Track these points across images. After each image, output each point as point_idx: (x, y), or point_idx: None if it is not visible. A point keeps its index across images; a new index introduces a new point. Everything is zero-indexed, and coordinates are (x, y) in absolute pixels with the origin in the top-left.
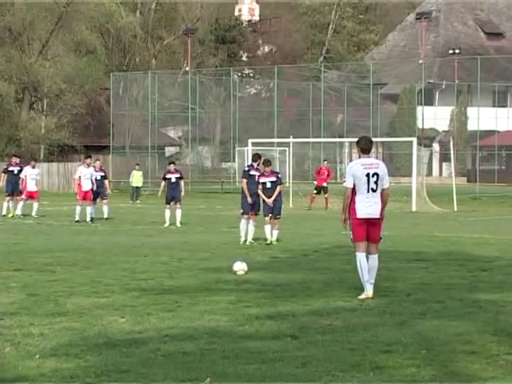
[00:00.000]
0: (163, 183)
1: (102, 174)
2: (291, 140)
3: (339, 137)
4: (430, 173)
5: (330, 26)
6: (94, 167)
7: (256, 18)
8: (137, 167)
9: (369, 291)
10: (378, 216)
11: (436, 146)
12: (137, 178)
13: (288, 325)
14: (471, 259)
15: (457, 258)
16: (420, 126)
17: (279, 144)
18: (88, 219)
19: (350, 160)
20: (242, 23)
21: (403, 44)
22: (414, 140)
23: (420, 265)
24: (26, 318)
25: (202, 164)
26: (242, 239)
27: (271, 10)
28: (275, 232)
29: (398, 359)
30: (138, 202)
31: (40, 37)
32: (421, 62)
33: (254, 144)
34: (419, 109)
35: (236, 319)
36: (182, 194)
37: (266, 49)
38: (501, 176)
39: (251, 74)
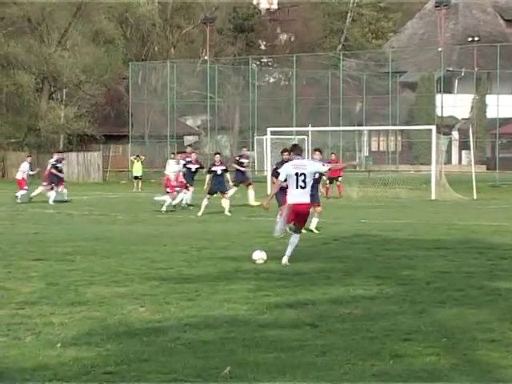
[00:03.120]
0: (209, 176)
1: (198, 166)
2: (310, 129)
3: (358, 125)
4: (449, 161)
5: (348, 14)
6: (190, 159)
7: (274, 6)
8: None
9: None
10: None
11: (455, 134)
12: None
13: (307, 313)
14: (491, 247)
15: (476, 246)
16: (439, 114)
17: (298, 133)
18: (184, 203)
19: (369, 148)
20: (260, 12)
21: (422, 32)
22: (433, 128)
23: (439, 253)
24: (47, 307)
25: (222, 153)
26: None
27: None
28: (315, 220)
29: (417, 348)
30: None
31: (59, 27)
32: (440, 49)
33: (272, 133)
34: (438, 97)
35: (255, 308)
36: (231, 184)
37: (285, 37)
38: None
39: (269, 63)
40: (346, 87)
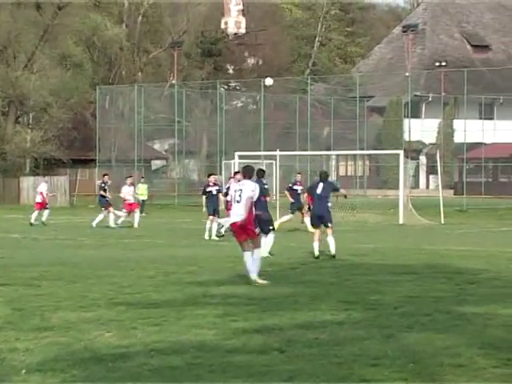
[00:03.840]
0: (204, 197)
1: (217, 188)
2: (278, 153)
3: (326, 149)
4: (416, 185)
5: (317, 39)
6: (209, 182)
7: (242, 30)
8: (142, 180)
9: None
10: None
11: (423, 159)
12: (142, 191)
13: (275, 338)
14: (458, 272)
15: (444, 271)
16: (407, 139)
17: (266, 157)
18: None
19: (337, 173)
20: (228, 36)
21: (390, 56)
22: (401, 152)
23: (407, 278)
24: (12, 332)
25: (189, 177)
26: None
27: (257, 22)
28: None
29: (385, 372)
30: (144, 214)
31: (26, 50)
32: (407, 74)
33: (240, 157)
34: (406, 121)
35: (223, 333)
36: (222, 207)
37: (253, 61)
38: (488, 188)
39: (237, 87)
40: (314, 111)
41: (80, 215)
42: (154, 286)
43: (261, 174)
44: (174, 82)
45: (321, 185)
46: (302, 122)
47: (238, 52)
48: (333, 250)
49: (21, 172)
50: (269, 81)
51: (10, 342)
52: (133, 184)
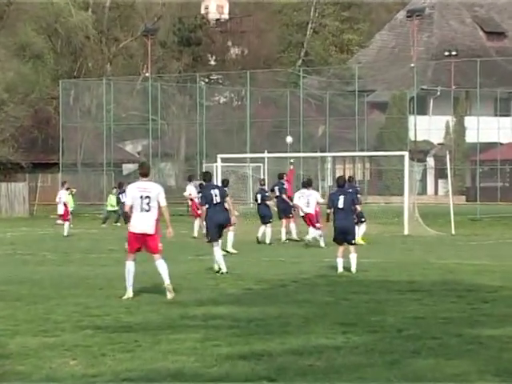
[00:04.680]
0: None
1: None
2: (266, 155)
3: (321, 151)
4: (424, 191)
5: (309, 25)
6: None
7: (225, 16)
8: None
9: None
10: (151, 232)
11: (430, 161)
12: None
13: (263, 366)
14: (471, 289)
15: (455, 289)
16: (412, 139)
17: (253, 160)
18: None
19: (334, 177)
20: (209, 22)
21: (392, 45)
22: (406, 154)
23: (413, 296)
24: None
25: (165, 183)
26: None
27: (242, 7)
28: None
29: None
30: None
31: None
32: (412, 65)
33: (223, 160)
34: (411, 119)
35: (204, 360)
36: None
37: (237, 51)
38: (504, 194)
39: (220, 80)
40: (307, 108)
41: (41, 226)
42: (126, 306)
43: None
44: (147, 74)
45: (342, 195)
46: (294, 120)
47: (221, 41)
48: (354, 269)
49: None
50: (289, 139)
51: None
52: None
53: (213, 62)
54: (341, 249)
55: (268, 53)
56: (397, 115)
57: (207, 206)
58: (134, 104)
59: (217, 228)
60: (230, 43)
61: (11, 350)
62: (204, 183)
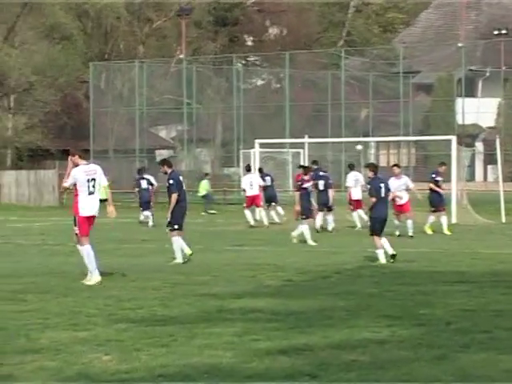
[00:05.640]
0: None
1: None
2: (306, 140)
3: (363, 135)
4: (472, 177)
5: (351, 4)
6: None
7: None
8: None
9: (98, 276)
10: (97, 214)
11: (479, 146)
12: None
13: (304, 361)
14: None
15: (505, 280)
16: (460, 122)
17: (292, 145)
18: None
19: (377, 163)
20: (247, 1)
21: (439, 24)
22: (453, 138)
23: (461, 287)
24: None
25: (201, 170)
26: None
27: None
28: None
29: None
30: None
31: (5, 20)
32: (460, 45)
33: (261, 145)
34: (459, 101)
35: (242, 355)
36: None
37: (275, 31)
38: None
39: (257, 62)
40: (349, 90)
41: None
42: (160, 299)
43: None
44: (181, 56)
45: (382, 183)
46: (335, 103)
47: (258, 20)
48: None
49: (1, 165)
50: (359, 147)
51: None
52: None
53: (250, 43)
54: (381, 239)
55: (308, 33)
56: (443, 98)
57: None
58: (167, 87)
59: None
60: (268, 23)
61: (42, 344)
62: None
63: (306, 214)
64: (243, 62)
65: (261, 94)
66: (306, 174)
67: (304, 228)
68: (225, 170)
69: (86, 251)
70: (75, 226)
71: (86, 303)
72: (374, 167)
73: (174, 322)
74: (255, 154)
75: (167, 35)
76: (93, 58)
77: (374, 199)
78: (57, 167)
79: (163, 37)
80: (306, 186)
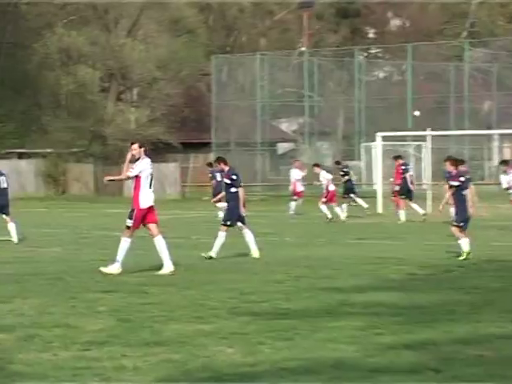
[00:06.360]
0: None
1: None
2: (429, 133)
3: (487, 128)
4: None
5: None
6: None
7: None
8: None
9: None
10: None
11: None
12: None
13: (428, 356)
14: None
15: None
16: None
17: (414, 138)
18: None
19: (501, 157)
20: None
21: None
22: None
23: None
24: (118, 348)
25: (322, 163)
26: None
27: None
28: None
29: None
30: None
31: (129, 14)
32: None
33: (383, 138)
34: None
35: (365, 349)
36: None
37: (397, 23)
38: None
39: (379, 54)
40: (472, 82)
41: (193, 209)
42: (283, 292)
43: None
44: (303, 49)
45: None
46: (458, 96)
47: (380, 12)
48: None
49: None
50: (417, 113)
51: (115, 359)
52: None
53: (372, 35)
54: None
55: (430, 24)
56: None
57: None
58: (288, 80)
59: None
60: (389, 14)
61: (166, 337)
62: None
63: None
64: (365, 54)
65: (382, 87)
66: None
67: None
68: (346, 163)
69: (126, 244)
70: (129, 218)
71: (209, 296)
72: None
73: (297, 316)
74: (377, 147)
75: (289, 28)
76: (215, 51)
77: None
78: (179, 160)
79: (285, 29)
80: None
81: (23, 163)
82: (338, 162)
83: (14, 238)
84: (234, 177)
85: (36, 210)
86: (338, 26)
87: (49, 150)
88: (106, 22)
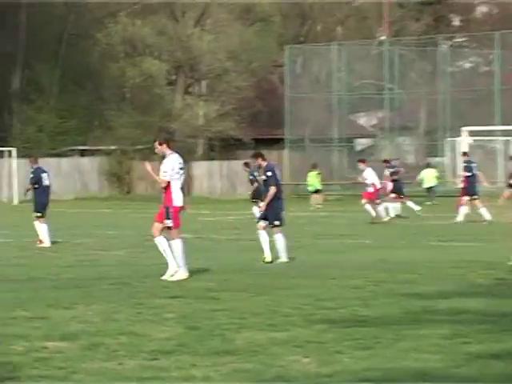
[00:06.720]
0: None
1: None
2: None
3: None
4: None
5: None
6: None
7: None
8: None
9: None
10: None
11: None
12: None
13: None
14: None
15: None
16: None
17: (503, 132)
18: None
19: None
20: None
21: None
22: None
23: None
24: (187, 357)
25: (403, 159)
26: None
27: None
28: None
29: None
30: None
31: (198, 2)
32: None
33: (470, 133)
34: None
35: (451, 359)
36: None
37: (484, 10)
38: None
39: (465, 43)
40: None
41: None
42: (362, 298)
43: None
44: (383, 38)
45: None
46: None
47: None
48: None
49: (192, 156)
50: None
51: (184, 369)
52: None
53: (457, 23)
54: None
55: None
56: None
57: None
58: (367, 71)
59: None
60: (476, 0)
61: (237, 345)
62: None
63: None
64: (449, 43)
65: (468, 78)
66: None
67: None
68: (429, 159)
69: (180, 244)
70: (167, 218)
71: (282, 302)
72: None
73: (377, 323)
74: (463, 142)
75: (367, 16)
76: (288, 41)
77: None
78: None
79: (363, 17)
80: None
81: (85, 161)
82: (386, 161)
83: (46, 242)
84: (269, 173)
85: (99, 210)
86: (421, 13)
87: (113, 147)
88: (172, 10)
